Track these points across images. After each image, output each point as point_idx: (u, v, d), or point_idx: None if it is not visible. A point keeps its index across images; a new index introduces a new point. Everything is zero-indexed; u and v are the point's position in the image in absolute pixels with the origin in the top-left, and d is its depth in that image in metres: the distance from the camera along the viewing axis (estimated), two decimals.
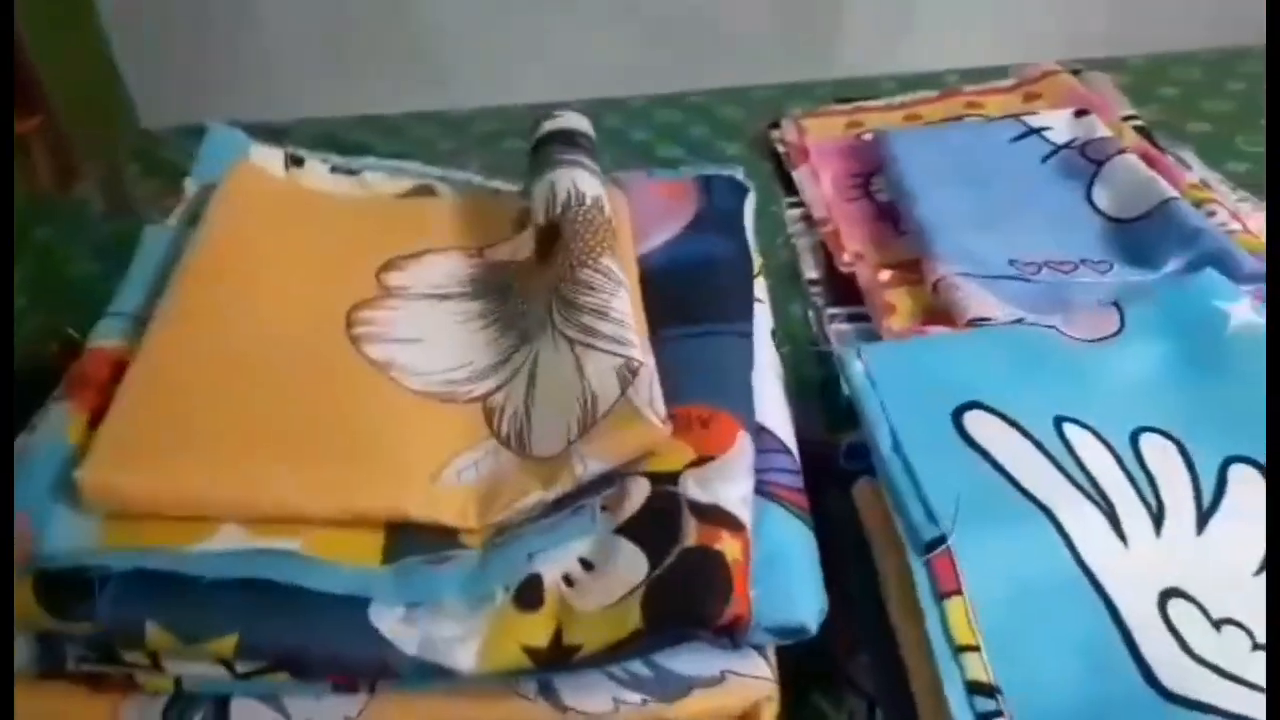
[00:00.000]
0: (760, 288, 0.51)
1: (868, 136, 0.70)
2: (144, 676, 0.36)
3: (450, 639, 0.36)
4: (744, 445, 0.40)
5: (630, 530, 0.38)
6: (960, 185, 0.63)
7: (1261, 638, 0.35)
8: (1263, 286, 0.50)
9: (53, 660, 0.36)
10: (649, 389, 0.40)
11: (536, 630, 0.36)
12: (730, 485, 0.39)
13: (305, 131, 0.74)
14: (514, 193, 0.56)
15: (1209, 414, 0.42)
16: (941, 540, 0.38)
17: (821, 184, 0.67)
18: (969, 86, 0.76)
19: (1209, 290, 0.46)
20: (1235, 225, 0.58)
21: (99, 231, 0.71)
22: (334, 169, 0.56)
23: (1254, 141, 0.71)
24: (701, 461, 0.39)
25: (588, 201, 0.47)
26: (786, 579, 0.38)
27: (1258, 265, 0.53)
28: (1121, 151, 0.62)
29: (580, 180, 0.49)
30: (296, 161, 0.55)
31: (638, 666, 0.37)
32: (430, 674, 0.35)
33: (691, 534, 0.37)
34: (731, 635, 0.35)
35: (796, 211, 0.66)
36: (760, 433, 0.43)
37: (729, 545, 0.37)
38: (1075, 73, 0.75)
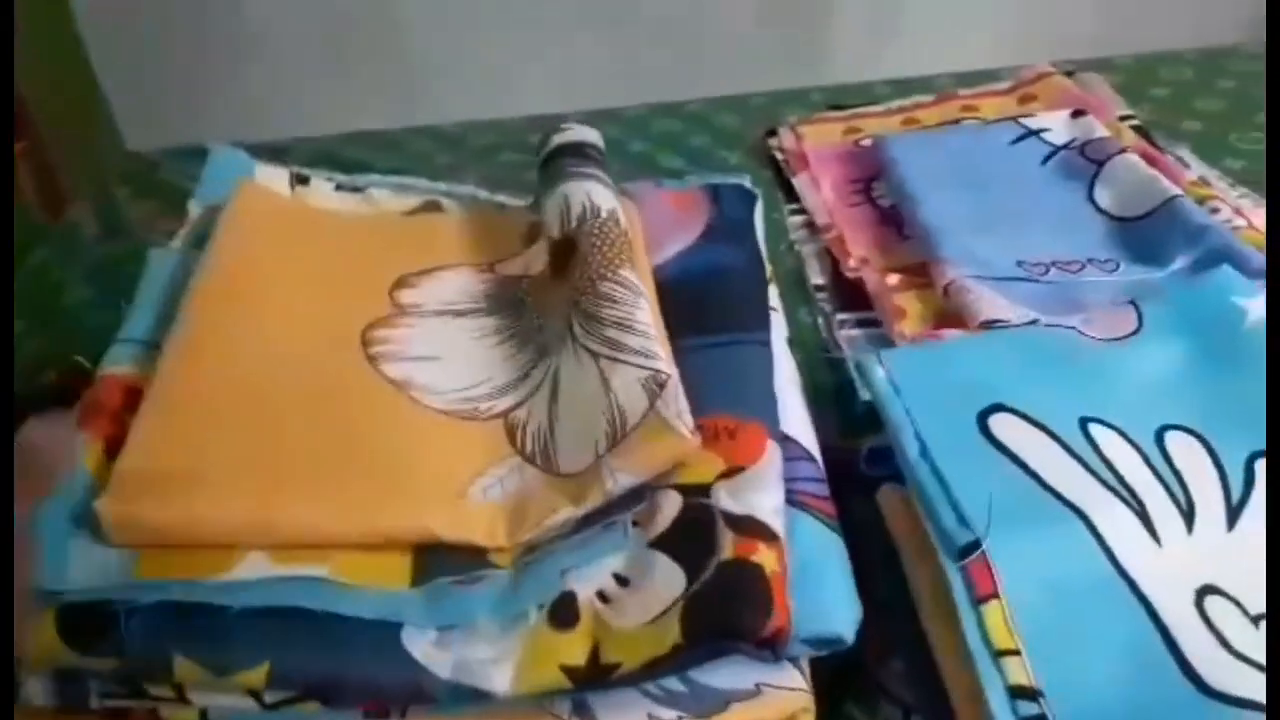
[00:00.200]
0: (773, 295, 0.51)
1: (866, 142, 0.70)
2: (169, 710, 0.36)
3: (484, 661, 0.35)
4: (773, 454, 0.40)
5: (665, 544, 0.37)
6: (962, 188, 0.63)
7: None
8: None
9: (74, 696, 0.36)
10: (676, 401, 0.40)
11: (573, 649, 0.36)
12: (763, 495, 0.38)
13: (301, 150, 0.73)
14: (522, 207, 0.55)
15: (1232, 410, 0.42)
16: (976, 545, 0.37)
17: (822, 190, 0.67)
18: (964, 90, 0.76)
19: (1226, 286, 0.46)
20: (1240, 221, 0.58)
21: (92, 256, 0.70)
22: (339, 187, 0.56)
23: (1248, 139, 0.71)
24: (732, 472, 0.39)
25: (603, 214, 0.47)
26: (820, 589, 0.38)
27: (1265, 260, 0.53)
28: (1122, 151, 0.63)
29: (594, 193, 0.48)
30: (302, 180, 0.55)
31: (673, 682, 0.36)
32: (465, 697, 0.35)
33: (728, 546, 0.36)
34: (773, 648, 0.35)
35: (799, 218, 0.66)
36: (785, 441, 0.42)
37: (766, 556, 0.36)
38: (1069, 74, 0.75)
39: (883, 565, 0.42)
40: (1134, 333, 0.46)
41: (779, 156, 0.71)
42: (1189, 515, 0.39)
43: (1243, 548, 0.38)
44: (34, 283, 0.66)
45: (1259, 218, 0.60)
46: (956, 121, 0.72)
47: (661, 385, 0.40)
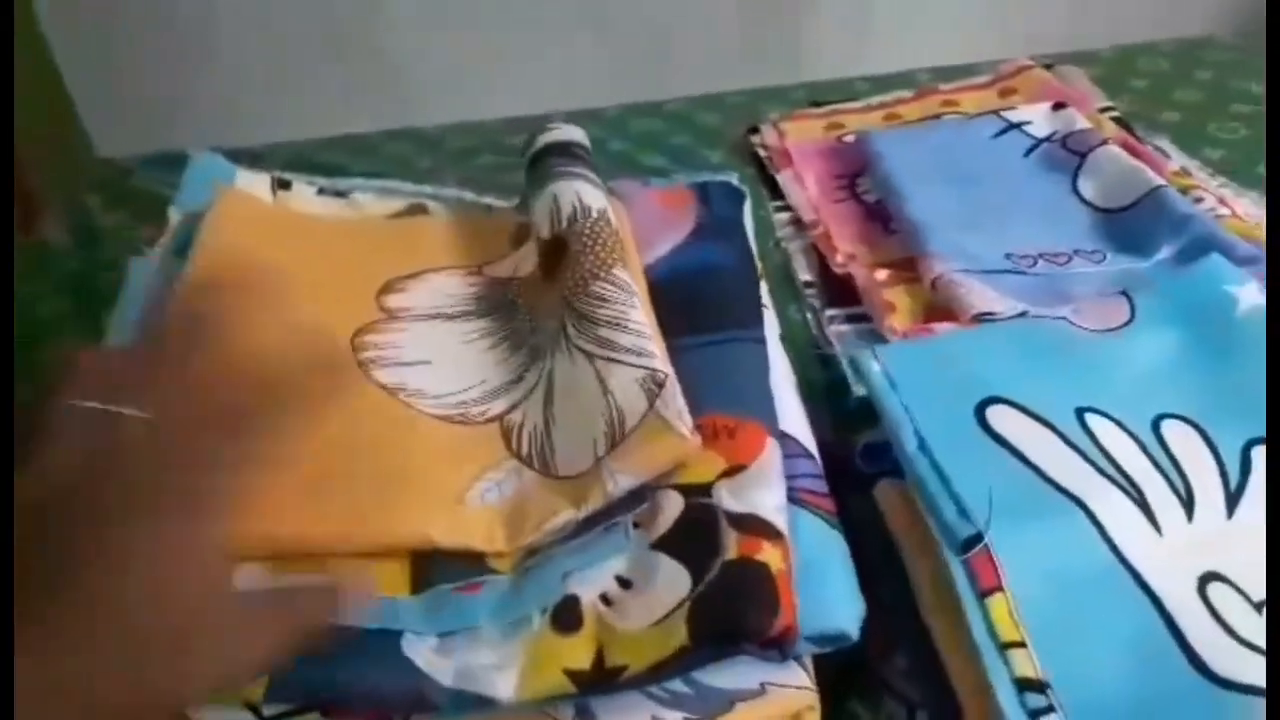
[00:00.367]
0: (764, 293, 0.51)
1: (849, 138, 0.70)
2: None
3: (488, 667, 0.35)
4: (773, 452, 0.40)
5: (668, 545, 0.37)
6: (947, 183, 0.63)
7: None
8: (1261, 269, 0.51)
9: None
10: (675, 400, 0.39)
11: (577, 652, 0.35)
12: (765, 493, 0.38)
13: (277, 154, 0.72)
14: (508, 208, 0.55)
15: (1226, 397, 0.42)
16: (978, 538, 0.37)
17: (807, 187, 0.67)
18: (944, 85, 0.76)
19: (1216, 275, 0.46)
20: (1224, 210, 0.59)
21: (65, 266, 0.68)
22: (321, 191, 0.55)
23: (1226, 129, 0.72)
24: (733, 471, 0.39)
25: (594, 214, 0.47)
26: (823, 586, 0.38)
27: (1250, 249, 0.53)
28: (1104, 143, 0.63)
29: (584, 192, 0.48)
30: (283, 185, 0.54)
31: (677, 684, 0.36)
32: (469, 704, 0.34)
33: (732, 546, 0.36)
34: (780, 648, 0.35)
35: (784, 215, 0.66)
36: (783, 439, 0.42)
37: (770, 555, 0.36)
38: (1048, 67, 0.75)
39: (882, 561, 0.41)
40: (1127, 323, 0.46)
41: (762, 153, 0.71)
42: (1189, 503, 0.39)
43: (1243, 535, 0.38)
44: None
45: (1241, 206, 0.60)
46: (938, 116, 0.72)
47: (660, 385, 0.39)
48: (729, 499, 0.38)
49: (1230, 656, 0.35)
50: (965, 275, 0.54)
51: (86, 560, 0.28)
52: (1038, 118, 0.67)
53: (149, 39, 1.04)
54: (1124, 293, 0.48)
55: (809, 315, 0.58)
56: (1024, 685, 0.34)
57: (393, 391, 0.43)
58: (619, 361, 0.41)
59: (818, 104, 0.76)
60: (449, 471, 0.41)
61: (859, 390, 0.47)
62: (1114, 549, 0.37)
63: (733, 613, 0.35)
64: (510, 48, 1.07)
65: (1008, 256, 0.57)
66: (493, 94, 0.89)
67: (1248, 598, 0.36)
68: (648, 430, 0.39)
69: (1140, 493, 0.39)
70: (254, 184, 0.54)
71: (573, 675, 0.35)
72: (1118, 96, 0.74)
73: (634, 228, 0.50)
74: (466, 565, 0.38)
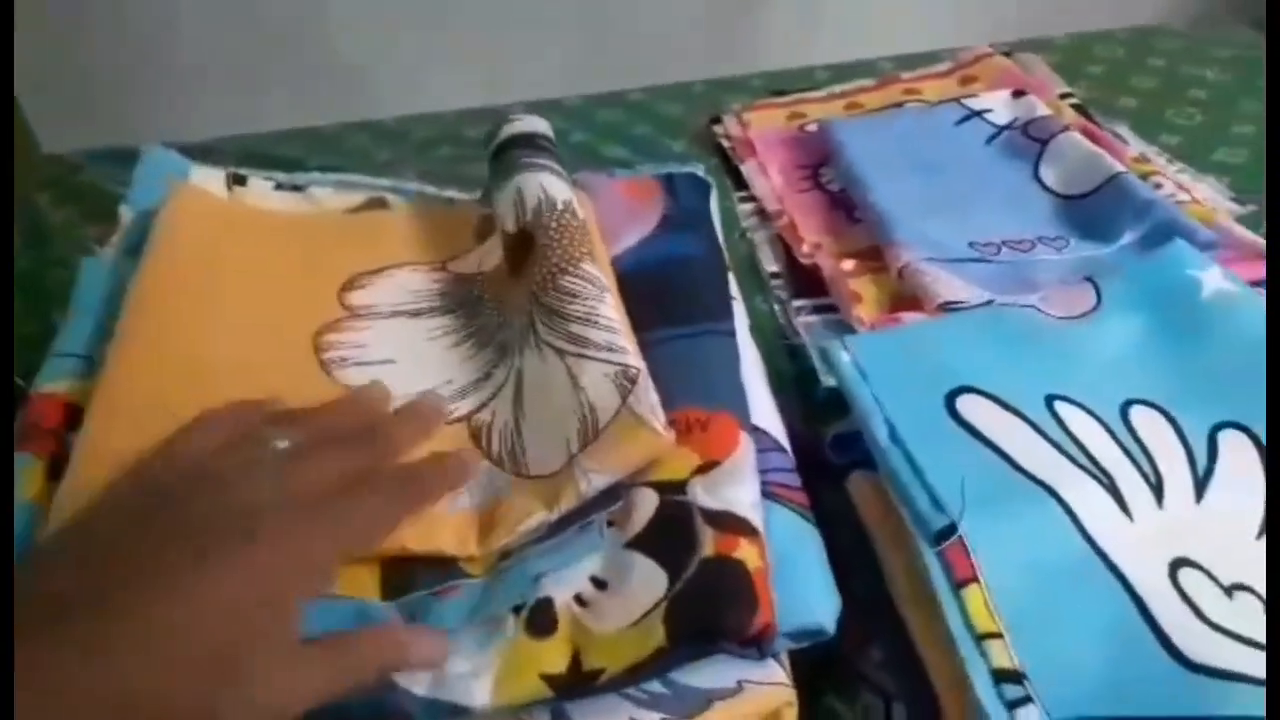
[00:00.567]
0: (732, 284, 0.50)
1: (812, 127, 0.70)
2: None
3: (463, 674, 0.34)
4: (747, 447, 0.40)
5: (643, 544, 0.37)
6: (910, 171, 0.63)
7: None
8: (1222, 253, 0.52)
9: None
10: (648, 396, 0.39)
11: (553, 656, 0.35)
12: (739, 489, 0.38)
13: (231, 148, 0.70)
14: (471, 201, 0.54)
15: (1193, 382, 0.43)
16: (952, 529, 0.37)
17: (770, 177, 0.66)
18: (905, 73, 0.76)
19: (1180, 260, 0.47)
20: (1183, 196, 0.59)
21: (14, 266, 0.66)
22: (278, 186, 0.54)
23: (1183, 114, 0.72)
24: (707, 467, 0.38)
25: (559, 206, 0.46)
26: (798, 580, 0.38)
27: (1211, 234, 0.54)
28: (1064, 129, 0.63)
29: (549, 184, 0.47)
30: (239, 180, 0.53)
31: (654, 684, 0.36)
32: (443, 713, 0.34)
33: (708, 543, 0.36)
34: (759, 646, 0.34)
35: (749, 205, 0.65)
36: (755, 432, 0.42)
37: (747, 552, 0.36)
38: (1007, 54, 0.76)
39: (855, 553, 0.41)
40: (1093, 309, 0.46)
41: (725, 144, 0.71)
42: (1158, 489, 0.39)
43: (1211, 520, 0.39)
44: None
45: (1199, 191, 0.61)
46: (899, 105, 0.72)
47: (632, 380, 0.39)
48: (704, 496, 0.37)
49: (1203, 642, 0.35)
50: (931, 264, 0.54)
51: (151, 575, 0.29)
52: (998, 105, 0.68)
53: (94, 31, 1.01)
54: (1090, 279, 0.48)
55: (776, 306, 0.57)
56: (1001, 676, 0.34)
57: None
58: (590, 358, 0.40)
59: (779, 93, 0.76)
60: None
61: (828, 381, 0.47)
62: (1087, 537, 0.38)
63: (711, 612, 0.34)
64: (469, 39, 1.06)
65: (971, 245, 0.57)
66: (452, 86, 0.88)
67: (1218, 582, 0.37)
68: (621, 427, 0.38)
69: (1111, 479, 0.39)
70: (209, 180, 0.52)
71: (549, 680, 0.34)
72: (1075, 83, 0.74)
73: (600, 220, 0.50)
74: (438, 570, 0.37)
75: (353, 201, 0.54)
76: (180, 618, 0.29)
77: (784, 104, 0.74)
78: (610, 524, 0.38)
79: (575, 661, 0.34)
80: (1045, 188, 0.62)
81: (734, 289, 0.50)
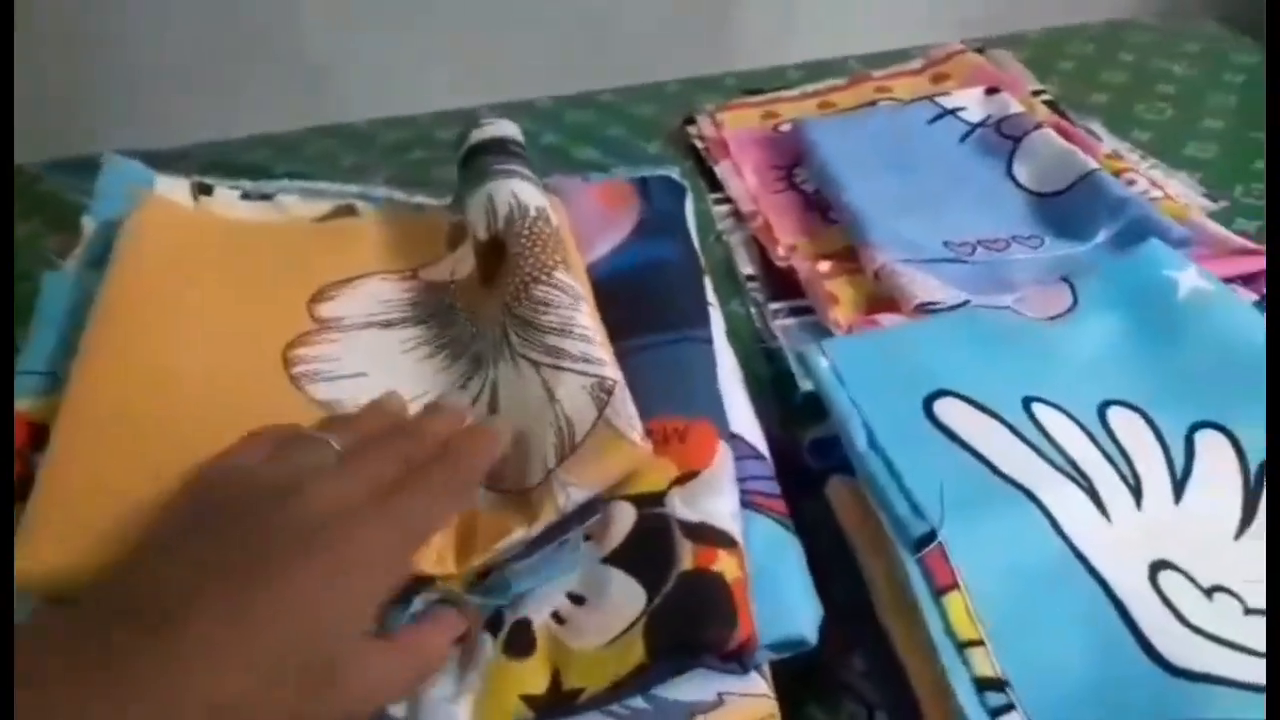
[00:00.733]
0: (709, 289, 0.50)
1: (786, 127, 0.70)
2: None
3: (443, 699, 0.34)
4: (725, 456, 0.39)
5: (620, 559, 0.36)
6: (884, 170, 0.63)
7: (1252, 602, 0.36)
8: (1196, 250, 0.52)
9: None
10: (625, 407, 0.38)
11: (533, 677, 0.34)
12: (718, 500, 0.37)
13: (195, 155, 0.69)
14: (441, 207, 0.53)
15: (1170, 382, 0.43)
16: (932, 535, 0.37)
17: (745, 178, 0.66)
18: (877, 71, 0.76)
19: (1156, 260, 0.47)
20: (1156, 192, 0.59)
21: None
22: (245, 195, 0.53)
23: (1154, 109, 0.73)
24: (685, 479, 0.38)
25: (532, 213, 0.45)
26: (779, 591, 0.37)
27: (1184, 231, 0.54)
28: (1037, 127, 0.63)
29: (520, 191, 0.46)
30: (205, 190, 0.52)
31: (635, 699, 0.35)
32: None
33: (686, 557, 0.35)
34: (740, 659, 0.34)
35: (724, 207, 0.65)
36: (733, 439, 0.41)
37: (726, 564, 0.35)
38: (979, 51, 0.76)
39: (834, 559, 0.41)
40: (1069, 310, 0.46)
41: (699, 144, 0.70)
42: (1137, 491, 0.39)
43: (1190, 521, 0.38)
44: None
45: (1172, 188, 0.61)
46: (872, 103, 0.72)
47: (609, 392, 0.38)
48: (682, 508, 0.37)
49: (1184, 645, 0.35)
50: (907, 265, 0.54)
51: (229, 588, 0.30)
52: (971, 103, 0.67)
53: (51, 35, 0.99)
54: (1066, 280, 0.48)
55: (753, 309, 0.57)
56: (983, 684, 0.34)
57: (329, 408, 0.42)
58: (566, 369, 0.39)
59: (753, 93, 0.75)
60: None
61: (805, 385, 0.46)
62: (1066, 540, 0.37)
63: (690, 626, 0.34)
64: (437, 40, 1.05)
65: (946, 244, 0.57)
66: (423, 88, 0.87)
67: (1197, 584, 0.37)
68: (598, 440, 0.38)
69: (1090, 482, 0.39)
70: (174, 190, 0.51)
71: (529, 700, 0.34)
72: (1047, 79, 0.75)
73: (574, 226, 0.49)
74: (415, 588, 0.36)
75: (321, 209, 0.54)
76: (263, 628, 0.29)
77: (758, 104, 0.74)
78: (587, 538, 0.37)
79: (555, 681, 0.34)
80: (1019, 185, 0.62)
81: (710, 294, 0.50)
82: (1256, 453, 0.40)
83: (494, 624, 0.36)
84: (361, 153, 0.72)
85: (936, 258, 0.55)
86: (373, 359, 0.45)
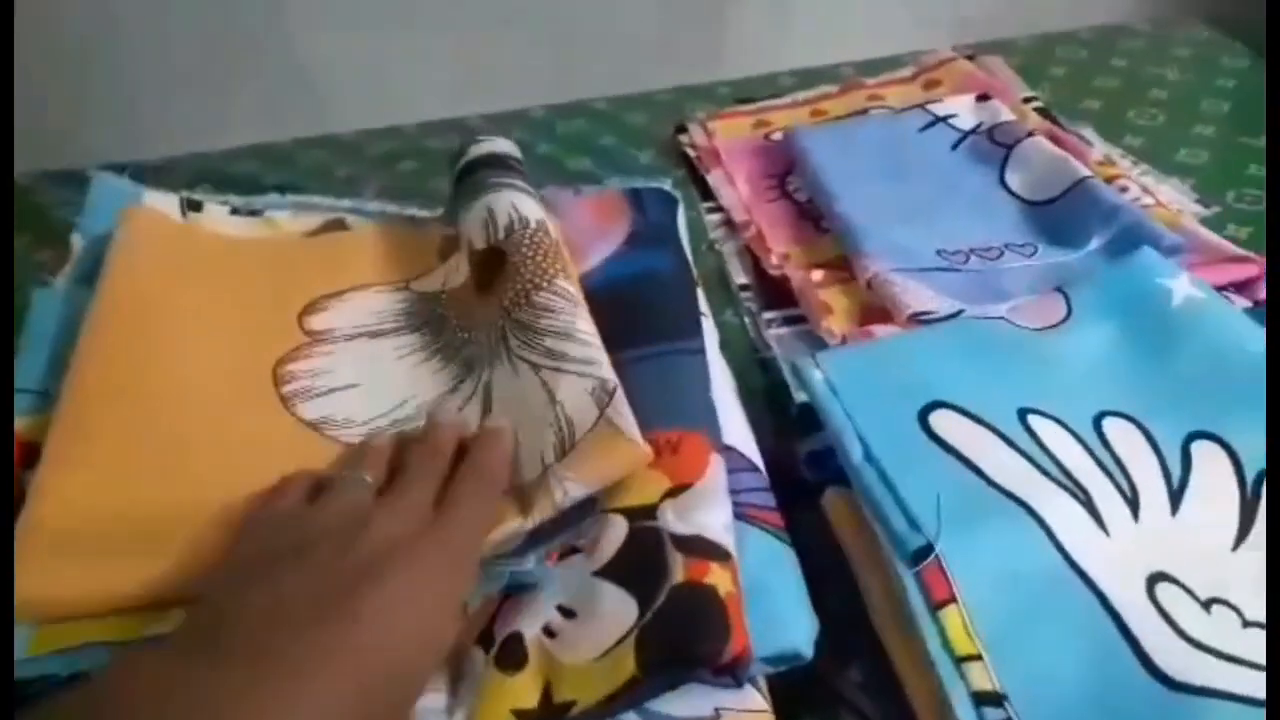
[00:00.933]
0: (701, 300, 0.50)
1: (778, 136, 0.70)
2: None
3: (435, 712, 0.34)
4: (718, 468, 0.39)
5: (612, 572, 0.36)
6: (876, 179, 0.63)
7: (1250, 614, 0.36)
8: (1187, 257, 0.52)
9: None
10: (626, 409, 0.38)
11: (524, 691, 0.34)
12: (710, 513, 0.37)
13: (184, 167, 0.69)
14: (434, 219, 0.53)
15: (1165, 393, 0.43)
16: (929, 549, 0.37)
17: (737, 186, 0.66)
18: (869, 79, 0.76)
19: (1150, 268, 0.47)
20: (1148, 199, 0.59)
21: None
22: (235, 210, 0.52)
23: (1145, 115, 0.73)
24: (678, 490, 0.38)
25: (532, 224, 0.45)
26: (774, 604, 0.37)
27: (1176, 239, 0.54)
28: (1029, 134, 0.63)
29: (520, 203, 0.46)
30: (194, 206, 0.51)
31: (629, 715, 0.35)
32: None
33: (679, 570, 0.35)
34: (734, 673, 0.34)
35: (716, 216, 0.65)
36: (726, 451, 0.41)
37: (719, 577, 0.35)
38: (970, 58, 0.76)
39: (831, 571, 0.41)
40: (1064, 320, 0.46)
41: (691, 153, 0.70)
42: (1134, 503, 0.39)
43: (1188, 532, 0.38)
44: None
45: (1163, 194, 0.61)
46: (864, 111, 0.72)
47: (610, 394, 0.38)
48: (674, 521, 0.37)
49: (1182, 659, 0.34)
50: (900, 274, 0.54)
51: (346, 611, 0.31)
52: (963, 110, 0.67)
53: (38, 45, 0.98)
54: (1060, 289, 0.48)
55: (746, 319, 0.57)
56: (981, 699, 0.34)
57: (317, 426, 0.41)
58: (566, 371, 0.39)
59: (744, 101, 0.75)
60: None
61: (800, 396, 0.46)
62: (1063, 553, 0.37)
63: (683, 640, 0.34)
64: (428, 49, 1.04)
65: (939, 253, 0.57)
66: (414, 98, 0.86)
67: (1195, 597, 0.36)
68: (599, 437, 0.38)
69: (1086, 494, 0.39)
70: (163, 205, 0.51)
71: (521, 715, 0.33)
72: (1038, 85, 0.74)
73: (567, 237, 0.49)
74: None
75: (311, 223, 0.53)
76: (353, 652, 0.30)
77: (749, 112, 0.74)
78: (578, 551, 0.37)
79: (546, 695, 0.34)
80: (1011, 193, 0.62)
81: (703, 304, 0.50)
82: (1253, 463, 0.40)
83: (485, 639, 0.36)
84: (352, 164, 0.72)
85: (930, 266, 0.55)
86: (364, 369, 0.44)
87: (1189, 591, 0.36)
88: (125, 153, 0.66)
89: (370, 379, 0.44)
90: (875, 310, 0.54)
